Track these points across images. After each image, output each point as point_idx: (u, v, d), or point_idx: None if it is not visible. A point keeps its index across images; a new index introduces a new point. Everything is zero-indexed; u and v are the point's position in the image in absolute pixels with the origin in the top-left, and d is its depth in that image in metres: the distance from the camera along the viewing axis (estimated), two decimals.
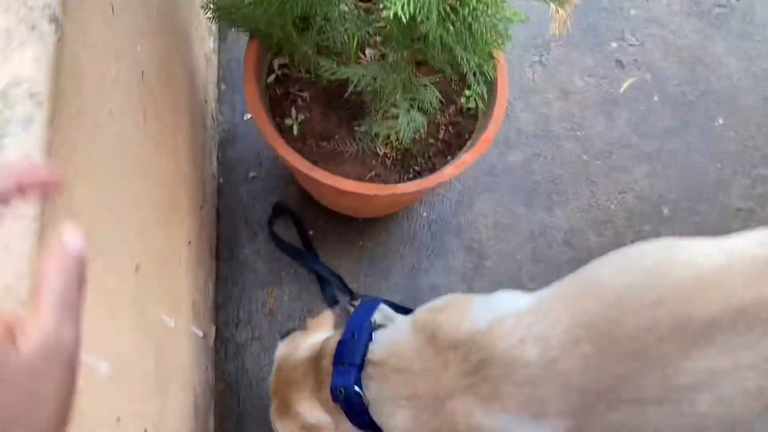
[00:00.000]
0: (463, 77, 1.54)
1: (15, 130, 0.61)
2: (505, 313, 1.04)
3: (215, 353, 1.71)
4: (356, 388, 1.10)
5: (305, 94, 1.53)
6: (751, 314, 0.91)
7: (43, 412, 0.39)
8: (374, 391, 1.10)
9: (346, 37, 1.28)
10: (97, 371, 0.76)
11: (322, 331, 1.32)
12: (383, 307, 1.27)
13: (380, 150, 1.51)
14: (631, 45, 2.20)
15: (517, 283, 1.87)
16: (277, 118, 1.51)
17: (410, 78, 1.32)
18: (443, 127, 1.56)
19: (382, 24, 1.34)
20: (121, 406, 0.85)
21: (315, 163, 1.41)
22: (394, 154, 1.52)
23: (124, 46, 0.92)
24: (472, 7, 1.02)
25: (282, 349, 1.30)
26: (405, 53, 1.28)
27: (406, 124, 1.25)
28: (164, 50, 1.19)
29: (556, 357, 0.96)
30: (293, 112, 1.49)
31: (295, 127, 1.47)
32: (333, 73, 1.27)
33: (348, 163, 1.50)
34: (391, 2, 0.90)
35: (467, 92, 1.55)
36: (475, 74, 1.15)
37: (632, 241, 1.94)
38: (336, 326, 1.38)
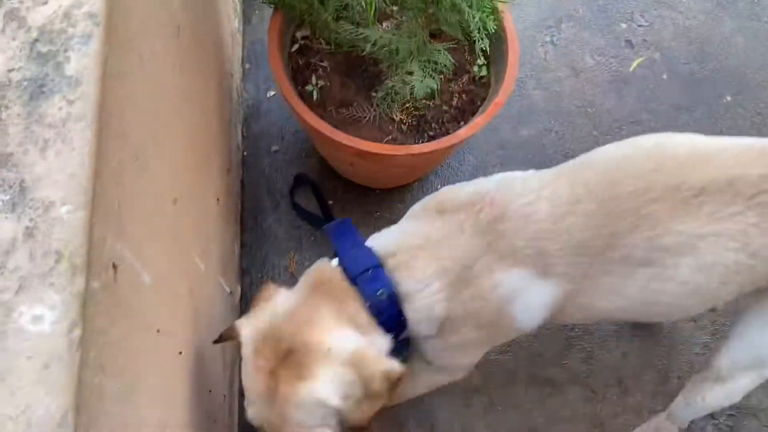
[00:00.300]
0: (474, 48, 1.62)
1: (77, 45, 0.70)
2: (510, 177, 1.13)
3: (240, 314, 1.79)
4: (390, 286, 1.06)
5: (326, 64, 1.62)
6: (737, 189, 0.99)
7: None
8: (405, 279, 1.07)
9: (363, 3, 1.37)
10: (141, 277, 0.85)
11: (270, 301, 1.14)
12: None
13: (396, 116, 1.60)
14: (640, 26, 2.27)
15: None
16: (299, 87, 1.60)
17: (424, 43, 1.41)
18: (456, 95, 1.64)
19: None
20: (161, 319, 0.94)
21: (335, 128, 1.50)
22: (410, 120, 1.61)
23: None
24: None
25: (246, 330, 1.08)
26: (419, 19, 1.36)
27: (420, 82, 1.33)
28: (196, 15, 1.29)
29: (564, 213, 1.03)
30: (313, 78, 1.58)
31: (315, 93, 1.56)
32: (352, 35, 1.36)
33: (366, 128, 1.59)
34: None
35: (480, 61, 1.63)
36: (479, 30, 1.23)
37: None
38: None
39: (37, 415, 0.57)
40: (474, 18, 1.19)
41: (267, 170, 1.97)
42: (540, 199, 1.05)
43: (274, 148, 1.99)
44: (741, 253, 1.02)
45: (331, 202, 1.94)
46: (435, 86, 1.39)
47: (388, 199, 1.96)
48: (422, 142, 1.58)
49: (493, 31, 1.31)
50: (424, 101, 1.60)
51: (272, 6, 1.52)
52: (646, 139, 1.13)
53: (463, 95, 1.64)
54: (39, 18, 0.72)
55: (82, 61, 0.70)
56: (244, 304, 1.81)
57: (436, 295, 1.07)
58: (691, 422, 1.78)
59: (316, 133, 1.49)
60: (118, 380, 0.74)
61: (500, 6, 1.31)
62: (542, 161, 2.03)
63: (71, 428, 0.57)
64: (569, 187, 1.05)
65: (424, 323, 1.10)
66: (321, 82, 1.59)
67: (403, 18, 1.46)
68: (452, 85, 1.63)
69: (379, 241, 1.16)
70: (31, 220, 0.63)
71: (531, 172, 1.16)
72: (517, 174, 1.15)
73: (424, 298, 1.07)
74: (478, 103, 1.62)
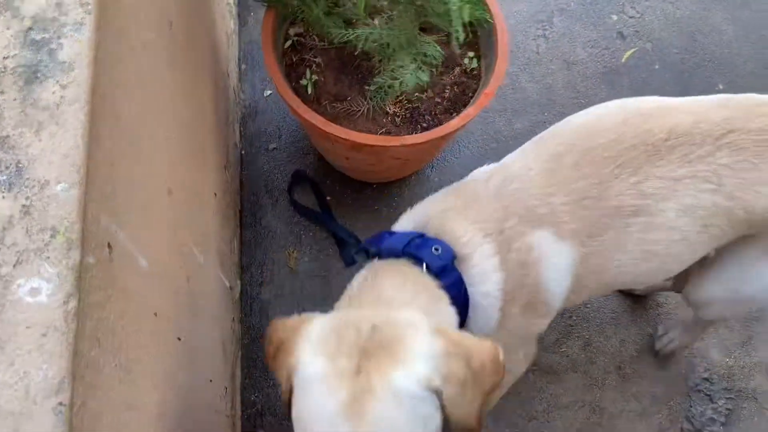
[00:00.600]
0: (467, 43, 1.65)
1: (69, 33, 0.73)
2: (499, 163, 1.19)
3: (241, 310, 1.82)
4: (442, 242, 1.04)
5: (319, 60, 1.65)
6: (704, 130, 1.03)
7: None
8: (452, 240, 1.05)
9: None
10: (137, 261, 0.88)
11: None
12: None
13: (390, 109, 1.62)
14: (631, 17, 2.29)
15: None
16: (294, 83, 1.62)
17: (414, 36, 1.44)
18: (448, 87, 1.66)
19: None
20: (159, 303, 0.96)
21: (329, 122, 1.52)
22: (404, 113, 1.63)
23: None
24: None
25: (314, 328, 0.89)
26: (409, 12, 1.39)
27: (410, 73, 1.35)
28: (189, 11, 1.31)
29: (553, 168, 1.08)
30: (307, 73, 1.61)
31: (309, 87, 1.59)
32: (343, 36, 1.39)
33: (360, 121, 1.61)
34: None
35: (471, 54, 1.66)
36: (459, 18, 1.25)
37: None
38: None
39: (35, 382, 0.59)
40: (454, 6, 1.21)
41: (265, 168, 2.00)
42: (528, 161, 1.11)
43: (272, 146, 2.02)
44: (717, 195, 1.05)
45: (329, 198, 1.97)
46: (426, 78, 1.42)
47: (385, 193, 1.99)
48: (416, 134, 1.60)
49: (472, 20, 1.34)
50: (416, 94, 1.63)
51: (265, 4, 1.55)
52: (611, 102, 1.18)
53: (455, 87, 1.66)
54: (32, 8, 0.75)
55: (74, 47, 0.73)
56: (245, 301, 1.84)
57: (492, 258, 1.05)
58: (690, 406, 1.80)
59: (310, 126, 1.51)
60: (116, 357, 0.76)
61: None
62: None
63: (68, 393, 0.59)
64: (552, 147, 1.11)
65: (489, 285, 1.05)
66: (315, 77, 1.61)
67: (394, 12, 1.49)
68: (444, 78, 1.66)
69: (407, 222, 1.16)
70: (27, 198, 0.66)
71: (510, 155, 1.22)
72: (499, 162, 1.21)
73: (481, 260, 1.04)
74: (470, 94, 1.64)
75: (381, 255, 1.08)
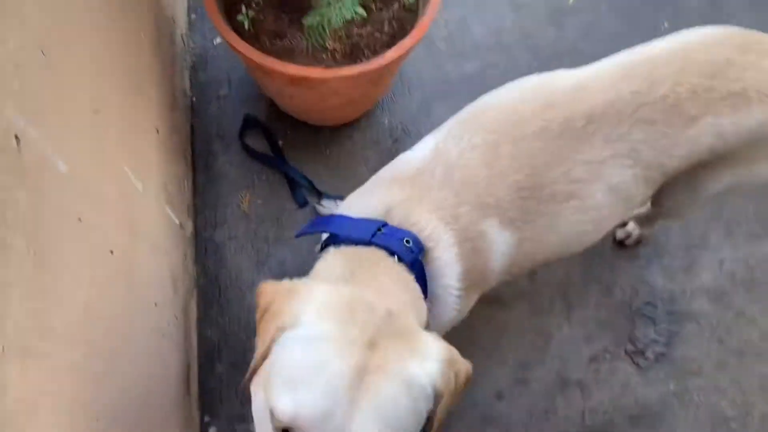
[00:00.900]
0: None
1: None
2: (436, 141, 1.17)
3: (195, 250, 1.86)
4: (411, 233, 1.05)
5: None
6: (618, 109, 1.08)
7: None
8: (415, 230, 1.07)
9: None
10: (53, 162, 0.91)
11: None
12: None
13: (329, 44, 1.65)
14: None
15: None
16: (233, 22, 1.65)
17: None
18: (387, 23, 1.69)
19: None
20: (82, 209, 1.00)
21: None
22: (343, 48, 1.66)
23: None
24: None
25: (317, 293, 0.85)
26: None
27: (346, 6, 1.39)
28: None
29: (492, 160, 1.10)
30: (243, 8, 1.63)
31: (246, 22, 1.61)
32: None
33: (300, 58, 1.64)
34: None
35: None
36: None
37: None
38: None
39: None
40: None
41: (216, 114, 2.03)
42: (464, 148, 1.11)
43: (223, 93, 2.05)
44: (637, 168, 1.12)
45: (281, 143, 2.00)
46: (361, 12, 1.45)
47: (337, 137, 2.02)
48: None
49: None
50: (355, 30, 1.66)
51: None
52: (528, 80, 1.21)
53: (394, 22, 1.69)
54: None
55: None
56: (199, 243, 1.88)
57: (451, 250, 1.07)
58: (633, 329, 1.87)
59: (249, 62, 1.54)
60: (28, 243, 0.80)
61: None
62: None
63: None
64: (482, 134, 1.12)
65: (449, 279, 1.08)
66: (253, 14, 1.64)
67: None
68: (383, 13, 1.69)
69: (361, 208, 1.12)
70: None
71: (435, 134, 1.21)
72: (436, 136, 1.19)
73: (442, 253, 1.06)
74: (409, 29, 1.67)
75: (346, 242, 1.06)
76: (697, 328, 1.88)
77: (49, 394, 0.84)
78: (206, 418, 1.70)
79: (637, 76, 1.12)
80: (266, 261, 1.87)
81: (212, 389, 1.73)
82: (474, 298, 1.20)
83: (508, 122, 1.12)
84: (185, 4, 2.10)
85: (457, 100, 1.26)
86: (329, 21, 1.52)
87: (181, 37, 1.96)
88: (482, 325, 1.83)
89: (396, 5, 1.70)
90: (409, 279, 1.02)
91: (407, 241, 1.02)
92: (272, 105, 2.01)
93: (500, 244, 1.12)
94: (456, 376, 0.84)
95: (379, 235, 1.03)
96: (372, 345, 0.77)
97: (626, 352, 1.85)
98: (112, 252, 1.13)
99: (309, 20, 1.56)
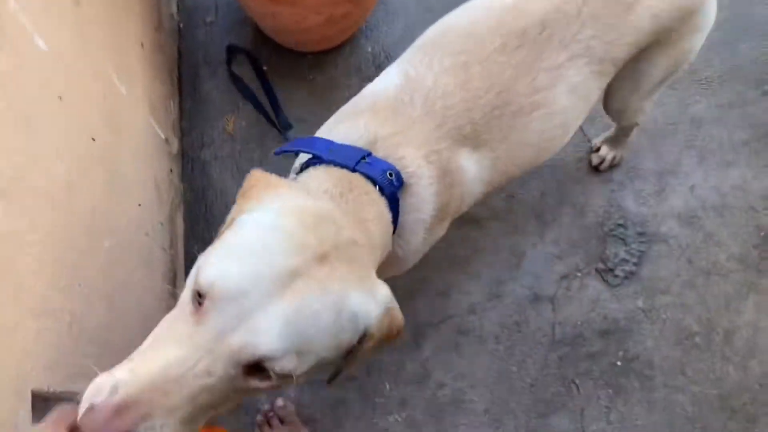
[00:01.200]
0: None
1: None
2: (403, 70, 1.16)
3: (182, 169, 1.92)
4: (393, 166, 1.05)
5: None
6: (567, 11, 1.13)
7: None
8: (398, 165, 1.06)
9: None
10: (32, 38, 0.97)
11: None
12: None
13: None
14: None
15: None
16: None
17: None
18: None
19: None
20: (62, 89, 1.06)
21: None
22: None
23: None
24: None
25: (285, 190, 0.89)
26: None
27: None
28: None
29: (465, 81, 1.12)
30: None
31: None
32: None
33: None
34: None
35: None
36: None
37: None
38: None
39: None
40: None
41: (203, 40, 2.07)
42: (437, 73, 1.12)
43: (209, 19, 2.09)
44: (593, 65, 1.17)
45: (266, 68, 2.05)
46: None
47: (320, 63, 2.07)
48: None
49: None
50: None
51: None
52: (471, 2, 1.22)
53: None
54: None
55: None
56: (186, 162, 1.94)
57: (430, 188, 1.08)
58: (605, 249, 1.94)
59: None
60: (10, 106, 0.87)
61: None
62: None
63: None
64: (449, 57, 1.14)
65: (423, 213, 1.10)
66: None
67: None
68: None
69: (344, 135, 1.10)
70: None
71: (404, 56, 1.22)
72: (399, 66, 1.19)
73: (420, 190, 1.07)
74: None
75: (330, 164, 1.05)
76: (666, 249, 1.95)
77: (34, 245, 0.91)
78: None
79: None
80: None
81: None
82: (446, 225, 1.22)
83: (470, 43, 1.14)
84: None
85: None
86: None
87: None
88: (458, 243, 1.90)
89: None
90: (386, 213, 1.02)
91: (390, 174, 1.03)
92: (258, 31, 2.06)
93: (477, 172, 1.16)
94: (389, 327, 0.84)
95: (362, 163, 1.02)
96: (322, 259, 0.77)
97: (597, 270, 1.92)
98: (93, 139, 1.19)
99: None
